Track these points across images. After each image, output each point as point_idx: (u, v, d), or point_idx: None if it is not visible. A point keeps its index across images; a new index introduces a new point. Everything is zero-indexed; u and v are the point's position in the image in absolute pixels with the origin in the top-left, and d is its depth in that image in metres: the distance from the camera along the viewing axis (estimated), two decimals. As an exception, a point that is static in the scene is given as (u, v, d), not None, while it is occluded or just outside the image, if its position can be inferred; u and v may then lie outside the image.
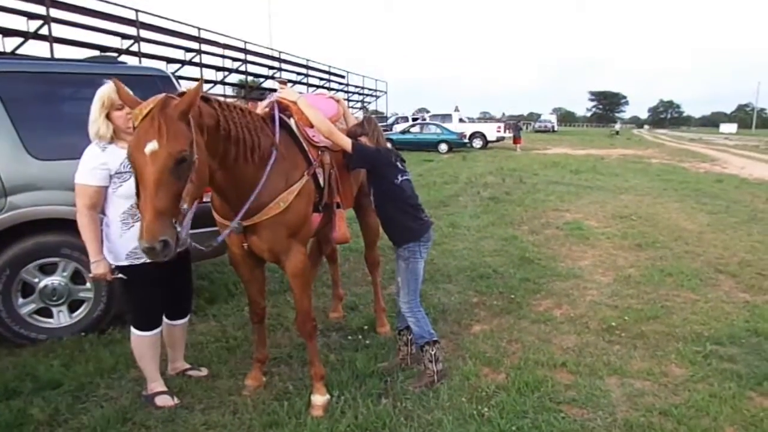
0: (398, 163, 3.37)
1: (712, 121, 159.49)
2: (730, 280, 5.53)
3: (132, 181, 2.77)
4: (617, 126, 68.69)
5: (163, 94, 2.30)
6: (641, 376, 3.48)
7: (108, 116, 2.86)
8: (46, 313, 3.95)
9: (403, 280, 3.42)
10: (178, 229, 2.25)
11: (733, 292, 5.18)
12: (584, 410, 3.10)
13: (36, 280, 3.87)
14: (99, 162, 2.85)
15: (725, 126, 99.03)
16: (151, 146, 2.17)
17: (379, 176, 3.34)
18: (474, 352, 3.81)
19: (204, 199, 2.88)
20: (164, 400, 3.10)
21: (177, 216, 2.24)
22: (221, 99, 2.70)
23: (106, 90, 2.83)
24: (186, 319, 3.43)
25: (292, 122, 3.17)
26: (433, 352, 3.34)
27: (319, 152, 3.22)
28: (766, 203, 10.59)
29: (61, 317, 3.98)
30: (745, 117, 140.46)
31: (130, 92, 2.48)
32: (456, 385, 3.34)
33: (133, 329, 3.09)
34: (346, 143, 3.19)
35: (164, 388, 3.16)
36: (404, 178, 3.35)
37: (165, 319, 3.26)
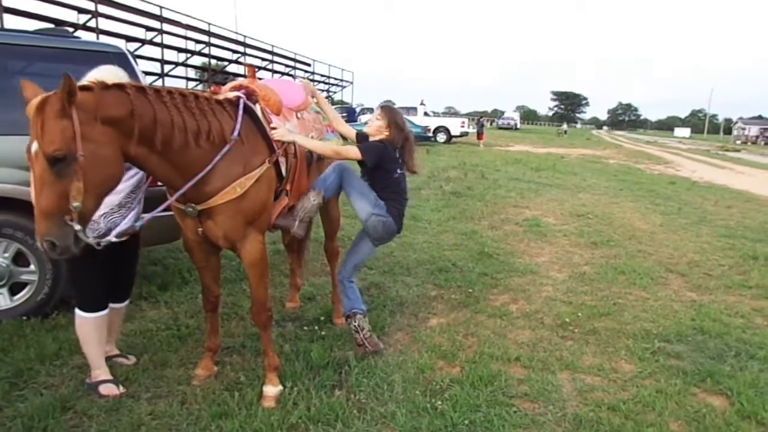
0: (398, 156, 3.54)
1: (668, 125, 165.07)
2: (679, 280, 5.70)
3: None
4: (564, 126, 69.78)
5: (43, 95, 2.19)
6: (592, 372, 3.54)
7: None
8: (-16, 295, 3.76)
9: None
10: (77, 227, 2.21)
11: (682, 291, 5.34)
12: (536, 404, 3.14)
13: (-25, 261, 3.67)
14: None
15: (679, 130, 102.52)
16: (33, 146, 2.16)
17: (383, 170, 3.47)
18: (430, 345, 3.81)
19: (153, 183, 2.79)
20: (109, 389, 2.99)
21: (68, 214, 2.19)
22: (146, 85, 2.58)
23: (102, 72, 2.70)
24: (125, 304, 3.33)
25: (257, 108, 3.08)
26: (313, 201, 3.36)
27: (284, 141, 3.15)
28: (715, 206, 10.99)
29: (1, 300, 3.79)
30: (698, 122, 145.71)
31: (38, 89, 2.30)
32: (410, 378, 3.33)
33: (78, 311, 2.98)
34: (355, 153, 3.36)
35: (109, 376, 3.05)
36: (401, 171, 3.56)
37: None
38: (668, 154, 31.78)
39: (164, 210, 2.84)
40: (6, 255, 3.74)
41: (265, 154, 2.97)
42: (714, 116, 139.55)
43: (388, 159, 3.46)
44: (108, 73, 2.67)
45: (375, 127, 3.55)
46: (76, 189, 2.17)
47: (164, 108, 2.52)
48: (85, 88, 2.29)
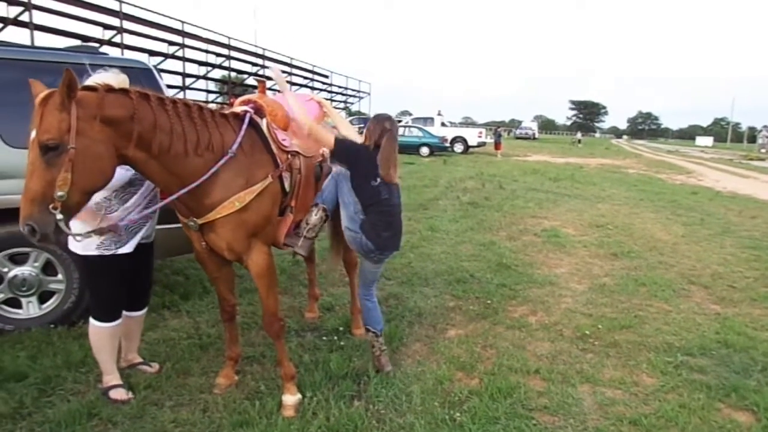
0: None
1: (689, 134, 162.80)
2: (702, 292, 5.63)
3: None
4: (578, 135, 69.31)
5: (52, 89, 2.33)
6: (613, 385, 3.52)
7: None
8: (14, 303, 3.86)
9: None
10: (59, 216, 2.29)
11: (705, 303, 5.27)
12: (556, 418, 3.12)
13: (6, 269, 3.78)
14: None
15: (701, 139, 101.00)
16: (31, 134, 2.29)
17: (359, 175, 3.27)
18: (448, 356, 3.81)
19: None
20: (119, 394, 3.05)
21: (52, 202, 2.27)
22: (150, 93, 2.65)
23: (117, 80, 2.79)
24: (143, 312, 3.40)
25: (263, 123, 3.14)
26: (316, 216, 3.30)
27: (288, 156, 3.19)
28: (739, 216, 10.82)
29: (31, 308, 3.89)
30: (720, 131, 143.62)
31: (44, 87, 2.44)
32: (429, 389, 3.34)
33: (92, 320, 3.05)
34: (328, 139, 3.23)
35: (119, 382, 3.11)
36: (380, 181, 3.25)
37: (123, 311, 3.20)
38: (690, 163, 31.36)
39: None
40: (36, 264, 3.84)
41: (269, 168, 3.01)
42: (737, 124, 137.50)
43: (362, 161, 3.25)
44: (111, 78, 2.77)
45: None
46: (62, 179, 2.27)
47: (165, 115, 2.60)
48: (90, 89, 2.41)
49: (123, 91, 2.51)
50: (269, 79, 3.80)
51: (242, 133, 2.90)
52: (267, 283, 3.03)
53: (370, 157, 3.27)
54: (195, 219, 2.83)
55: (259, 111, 3.18)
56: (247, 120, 2.99)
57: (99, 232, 2.74)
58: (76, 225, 2.82)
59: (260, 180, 2.91)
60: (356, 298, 4.22)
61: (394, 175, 3.32)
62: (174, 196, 2.71)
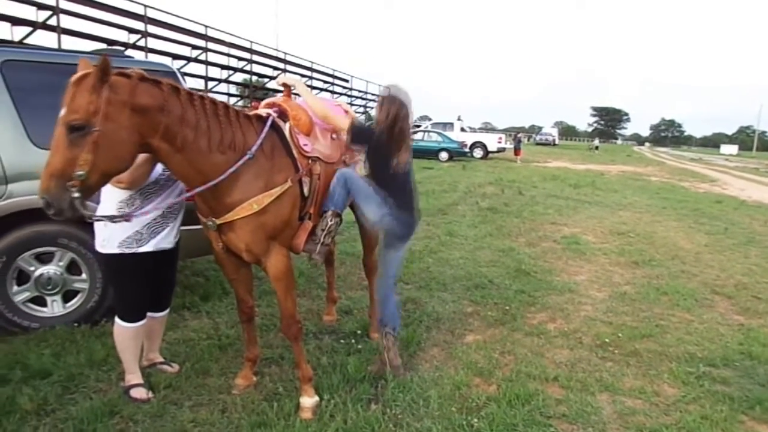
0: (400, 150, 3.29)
1: (713, 142, 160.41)
2: (725, 302, 5.53)
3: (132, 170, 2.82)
4: (596, 141, 68.73)
5: (88, 71, 2.38)
6: (633, 395, 3.47)
7: None
8: (40, 301, 3.94)
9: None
10: (74, 194, 2.32)
11: (729, 314, 5.18)
12: (574, 426, 3.10)
13: (32, 268, 3.86)
14: None
15: (726, 147, 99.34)
16: (62, 112, 2.33)
17: (377, 155, 3.29)
18: (466, 362, 3.80)
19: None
20: (139, 393, 3.10)
21: (70, 180, 2.30)
22: (182, 86, 2.70)
23: None
24: (166, 312, 3.44)
25: (286, 127, 3.17)
26: (331, 222, 3.27)
27: (309, 161, 3.20)
28: (765, 226, 10.62)
29: (55, 306, 3.97)
30: (746, 139, 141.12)
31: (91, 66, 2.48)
32: (446, 394, 3.33)
33: (117, 320, 3.10)
34: (343, 122, 3.26)
35: (140, 381, 3.16)
36: (397, 160, 3.27)
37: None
38: (714, 171, 30.86)
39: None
40: (61, 264, 3.92)
41: (289, 172, 3.02)
42: (763, 133, 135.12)
43: (381, 141, 3.24)
44: None
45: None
46: (84, 159, 2.31)
47: (192, 110, 2.64)
48: (124, 75, 2.45)
49: (155, 81, 2.56)
50: (290, 85, 3.79)
51: (263, 135, 2.93)
52: (285, 286, 3.04)
53: (388, 137, 3.24)
54: (214, 219, 2.86)
55: (282, 115, 3.21)
56: (269, 123, 3.02)
57: (111, 218, 2.77)
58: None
59: (280, 184, 2.93)
60: (375, 302, 4.23)
61: (405, 157, 3.32)
62: (191, 192, 2.75)
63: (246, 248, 2.92)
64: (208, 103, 2.74)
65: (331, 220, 3.27)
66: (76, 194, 2.33)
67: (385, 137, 3.23)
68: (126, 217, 2.80)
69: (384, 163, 3.28)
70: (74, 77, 2.37)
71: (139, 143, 2.51)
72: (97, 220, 2.76)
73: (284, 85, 3.55)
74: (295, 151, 3.11)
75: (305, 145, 3.22)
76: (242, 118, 2.92)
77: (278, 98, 3.52)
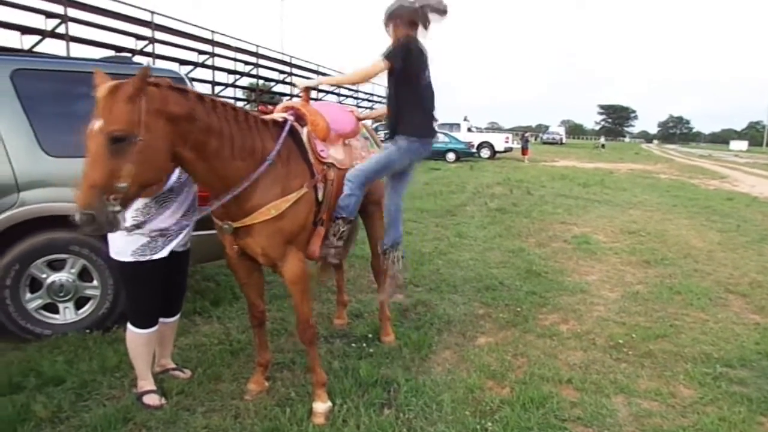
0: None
1: (722, 138, 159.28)
2: (740, 301, 5.47)
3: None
4: (602, 140, 68.43)
5: (118, 81, 2.36)
6: (649, 396, 3.43)
7: None
8: (52, 308, 3.95)
9: (375, 155, 3.50)
10: (115, 208, 2.29)
11: (744, 312, 5.12)
12: (590, 429, 3.06)
13: (44, 275, 3.87)
14: None
15: (735, 143, 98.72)
16: (94, 123, 2.28)
17: (413, 76, 3.30)
18: (478, 364, 3.77)
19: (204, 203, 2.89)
20: (152, 399, 3.09)
21: (112, 193, 2.28)
22: (205, 93, 2.71)
23: None
24: (177, 318, 3.43)
25: (303, 132, 3.16)
26: (343, 228, 3.31)
27: (324, 167, 3.20)
28: (777, 223, 10.50)
29: (67, 313, 3.98)
30: (756, 135, 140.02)
31: (107, 77, 2.47)
32: (460, 398, 3.30)
33: (129, 326, 3.10)
34: (380, 65, 3.22)
35: (153, 387, 3.15)
36: (429, 74, 3.38)
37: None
38: (724, 168, 30.62)
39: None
40: (73, 271, 3.93)
41: (305, 178, 3.02)
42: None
43: (417, 53, 3.25)
44: None
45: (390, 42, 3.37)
46: (126, 170, 2.28)
47: (216, 117, 2.63)
48: (155, 84, 2.43)
49: (182, 89, 2.55)
50: (309, 90, 3.80)
51: (281, 141, 2.92)
52: (300, 290, 3.03)
53: (418, 46, 3.29)
54: (230, 222, 2.85)
55: (300, 119, 3.20)
56: (287, 128, 3.01)
57: (127, 230, 2.75)
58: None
59: (296, 189, 2.93)
60: (385, 305, 4.21)
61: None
62: (219, 203, 2.74)
63: (262, 252, 2.92)
64: (229, 109, 2.74)
65: (342, 227, 3.27)
66: (117, 207, 2.31)
67: (418, 44, 3.30)
68: (140, 227, 2.83)
69: (424, 68, 3.33)
70: (107, 87, 2.32)
71: (171, 152, 2.49)
72: (131, 232, 2.73)
73: (305, 89, 3.54)
74: (311, 157, 3.11)
75: (322, 150, 3.22)
76: (259, 123, 2.91)
77: (296, 102, 3.51)
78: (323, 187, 3.17)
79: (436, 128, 3.53)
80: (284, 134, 2.96)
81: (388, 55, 3.22)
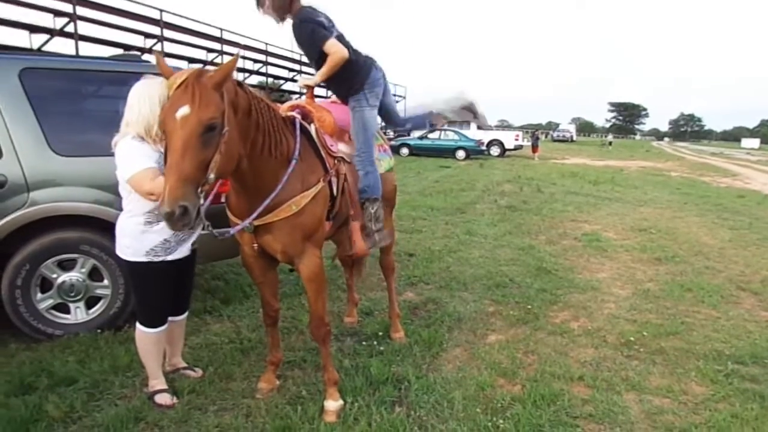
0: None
1: (734, 136, 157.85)
2: (752, 298, 5.42)
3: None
4: (610, 137, 68.20)
5: (198, 67, 2.33)
6: (660, 393, 3.41)
7: None
8: (63, 308, 3.97)
9: (353, 133, 3.48)
10: (202, 202, 2.23)
11: (755, 310, 5.07)
12: (602, 426, 3.04)
13: (55, 275, 3.89)
14: (145, 150, 2.84)
15: (747, 141, 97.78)
16: (182, 111, 2.18)
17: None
18: (489, 362, 3.76)
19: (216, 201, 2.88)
20: (163, 399, 3.10)
21: (203, 185, 2.21)
22: (253, 90, 2.69)
23: (162, 85, 2.85)
24: (185, 316, 3.43)
25: (312, 128, 3.16)
26: (373, 210, 3.34)
27: (336, 161, 3.21)
28: (790, 220, 10.38)
29: (78, 313, 3.99)
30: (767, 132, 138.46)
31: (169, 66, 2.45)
32: (471, 396, 3.29)
33: (138, 325, 3.10)
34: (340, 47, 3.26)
35: (164, 386, 3.16)
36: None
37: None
38: (736, 166, 30.34)
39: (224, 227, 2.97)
40: (83, 270, 3.94)
41: (320, 173, 3.03)
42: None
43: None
44: (158, 85, 2.82)
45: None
46: (215, 160, 2.23)
47: (261, 114, 2.62)
48: None
49: (240, 84, 2.54)
50: (313, 87, 3.82)
51: (299, 138, 2.92)
52: (317, 288, 3.03)
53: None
54: (251, 221, 2.82)
55: (306, 116, 3.20)
56: (298, 126, 3.00)
57: (221, 233, 2.75)
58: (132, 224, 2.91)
59: (314, 184, 2.93)
60: (394, 302, 4.22)
61: None
62: (264, 203, 2.72)
63: (282, 249, 2.91)
64: (264, 104, 2.70)
65: (373, 208, 3.29)
66: (203, 202, 2.24)
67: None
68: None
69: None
70: (191, 74, 2.25)
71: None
72: (213, 232, 2.64)
73: (306, 86, 3.56)
74: (323, 152, 3.12)
75: (332, 145, 3.24)
76: (282, 120, 2.89)
77: (301, 100, 3.52)
78: (337, 182, 3.18)
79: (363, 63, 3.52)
80: (298, 130, 2.96)
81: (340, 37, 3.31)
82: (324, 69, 3.30)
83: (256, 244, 2.95)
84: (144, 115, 2.82)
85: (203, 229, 2.47)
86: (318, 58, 3.34)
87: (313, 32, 3.25)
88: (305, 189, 2.88)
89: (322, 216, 3.03)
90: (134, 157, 2.81)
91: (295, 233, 2.86)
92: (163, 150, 2.86)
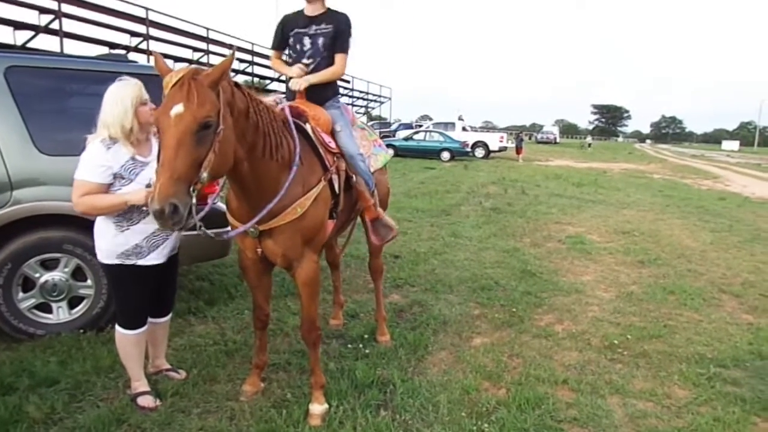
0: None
1: (714, 138, 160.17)
2: (733, 301, 5.50)
3: (132, 185, 2.84)
4: (588, 139, 69.11)
5: (194, 66, 2.32)
6: (644, 397, 3.44)
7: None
8: (45, 308, 3.91)
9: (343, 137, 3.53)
10: (194, 201, 2.20)
11: (737, 312, 5.15)
12: (586, 430, 3.07)
13: (37, 274, 3.83)
14: (103, 160, 2.82)
15: (727, 143, 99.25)
16: (177, 109, 2.17)
17: None
18: (474, 365, 3.77)
19: (211, 202, 2.85)
20: (146, 401, 3.07)
21: (195, 184, 2.19)
22: (252, 92, 2.67)
23: (135, 87, 2.83)
24: (168, 318, 3.40)
25: (308, 127, 3.15)
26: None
27: (335, 158, 3.20)
28: (769, 224, 10.56)
29: (61, 313, 3.93)
30: (747, 135, 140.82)
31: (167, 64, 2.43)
32: (456, 399, 3.30)
33: (118, 327, 3.07)
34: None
35: (147, 388, 3.13)
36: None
37: (148, 318, 3.22)
38: (716, 168, 30.78)
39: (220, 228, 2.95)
40: (66, 270, 3.89)
41: (320, 173, 3.01)
42: (765, 128, 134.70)
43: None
44: (133, 87, 2.81)
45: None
46: (209, 159, 2.21)
47: (260, 116, 2.60)
48: None
49: (238, 85, 2.51)
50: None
51: (296, 137, 2.89)
52: (311, 292, 3.00)
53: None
54: (256, 225, 2.79)
55: (301, 116, 3.17)
56: (292, 124, 2.96)
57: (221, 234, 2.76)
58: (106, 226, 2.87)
59: (315, 185, 2.92)
60: (381, 305, 4.21)
61: None
62: (268, 208, 2.69)
63: (283, 253, 2.88)
64: (263, 106, 2.68)
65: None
66: (194, 200, 2.21)
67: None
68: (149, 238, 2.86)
69: None
70: (188, 71, 2.23)
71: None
72: (207, 233, 2.59)
73: (299, 92, 3.53)
74: (321, 150, 3.10)
75: (329, 142, 3.22)
76: (281, 121, 2.87)
77: (293, 102, 3.49)
78: (338, 179, 3.16)
79: None
80: (294, 131, 2.93)
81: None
82: (322, 75, 3.37)
83: (260, 249, 2.91)
84: (116, 116, 2.80)
85: (197, 229, 2.43)
86: (318, 57, 3.43)
87: (348, 36, 3.47)
88: (307, 190, 2.86)
89: (323, 218, 3.01)
90: (86, 164, 2.84)
91: (296, 237, 2.85)
92: (137, 155, 2.86)
